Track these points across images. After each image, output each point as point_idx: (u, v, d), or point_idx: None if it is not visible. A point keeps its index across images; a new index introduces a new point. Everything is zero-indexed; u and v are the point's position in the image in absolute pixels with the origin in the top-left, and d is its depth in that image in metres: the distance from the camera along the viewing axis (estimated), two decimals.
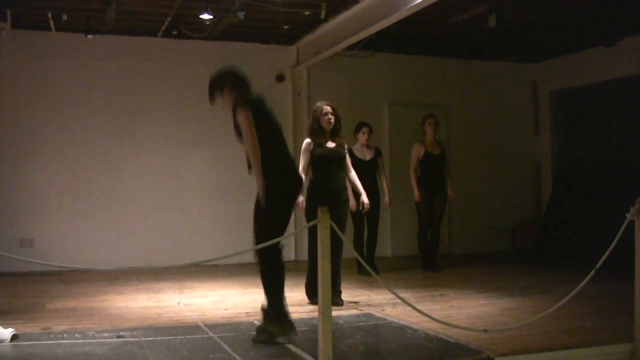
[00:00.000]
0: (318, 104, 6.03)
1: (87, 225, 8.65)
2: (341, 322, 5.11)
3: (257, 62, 9.38)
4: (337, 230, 4.01)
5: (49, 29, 8.27)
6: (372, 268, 5.73)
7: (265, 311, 4.51)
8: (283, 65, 9.59)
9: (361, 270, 7.47)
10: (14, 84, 8.47)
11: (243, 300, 6.23)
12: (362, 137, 7.82)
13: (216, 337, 4.63)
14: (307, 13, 7.95)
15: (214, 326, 5.00)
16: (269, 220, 4.32)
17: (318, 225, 3.81)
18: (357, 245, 7.59)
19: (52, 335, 4.68)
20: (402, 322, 5.04)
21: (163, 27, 8.45)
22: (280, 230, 4.43)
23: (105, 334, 4.72)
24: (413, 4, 6.63)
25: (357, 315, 5.43)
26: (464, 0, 7.51)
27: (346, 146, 6.14)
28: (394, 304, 5.75)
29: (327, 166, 5.90)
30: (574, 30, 8.82)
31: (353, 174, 6.21)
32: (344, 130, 6.21)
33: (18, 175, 8.45)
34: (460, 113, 10.44)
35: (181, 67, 9.12)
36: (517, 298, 6.16)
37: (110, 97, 8.87)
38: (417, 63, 10.23)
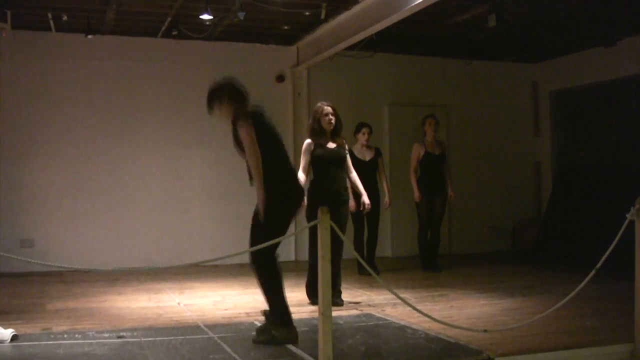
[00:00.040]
0: (319, 104, 6.02)
1: (87, 226, 8.65)
2: (341, 322, 5.11)
3: (257, 63, 9.40)
4: (337, 231, 4.01)
5: (49, 30, 8.27)
6: (372, 268, 5.74)
7: (267, 316, 4.51)
8: (283, 66, 9.59)
9: (361, 271, 7.47)
10: (14, 84, 8.47)
11: (243, 300, 6.23)
12: (362, 137, 7.82)
13: (216, 338, 4.63)
14: (307, 13, 7.95)
15: (214, 326, 5.00)
16: (265, 233, 4.24)
17: (318, 226, 3.81)
18: (357, 246, 7.59)
19: (52, 336, 4.68)
20: (402, 323, 5.04)
21: (163, 28, 8.45)
22: (276, 244, 4.42)
23: (106, 335, 4.72)
24: (413, 4, 6.63)
25: (358, 316, 5.43)
26: (464, 0, 7.51)
27: (347, 147, 6.14)
28: (394, 304, 5.75)
29: (327, 167, 5.90)
30: (574, 30, 8.82)
31: (354, 175, 6.22)
32: (344, 130, 6.21)
33: (18, 175, 8.46)
34: (460, 113, 10.44)
35: (181, 68, 9.12)
36: (517, 298, 6.16)
37: (110, 97, 8.87)
38: (417, 63, 10.23)
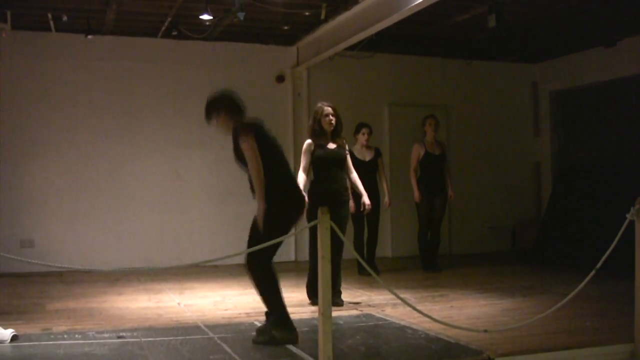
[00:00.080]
0: (319, 104, 6.02)
1: (87, 226, 8.65)
2: (341, 322, 5.11)
3: (257, 63, 9.40)
4: (337, 231, 4.01)
5: (49, 30, 8.27)
6: (372, 268, 5.73)
7: (268, 317, 4.52)
8: (283, 66, 9.59)
9: (361, 271, 7.47)
10: (14, 85, 8.47)
11: (243, 300, 6.22)
12: (362, 137, 7.82)
13: (216, 338, 4.63)
14: (307, 13, 7.95)
15: (214, 327, 5.01)
16: (263, 241, 4.21)
17: (318, 226, 3.81)
18: (358, 246, 7.59)
19: (52, 336, 4.68)
20: (403, 323, 5.04)
21: (163, 28, 8.45)
22: (273, 250, 4.42)
23: (106, 335, 4.72)
24: (413, 4, 6.63)
25: (358, 316, 5.43)
26: (464, 0, 7.51)
27: (347, 147, 6.14)
28: (394, 305, 5.75)
29: (327, 167, 5.89)
30: (574, 30, 8.82)
31: (354, 175, 6.21)
32: (344, 130, 6.21)
33: (18, 175, 8.46)
34: (460, 113, 10.44)
35: (181, 68, 9.12)
36: (517, 298, 6.16)
37: (110, 97, 8.87)
38: (417, 63, 10.23)
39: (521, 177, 10.79)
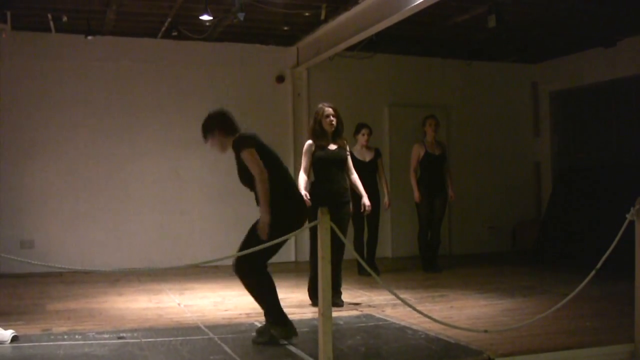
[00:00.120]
0: (320, 105, 6.01)
1: (87, 227, 8.65)
2: (341, 323, 5.11)
3: (257, 63, 9.40)
4: (338, 232, 4.01)
5: (49, 30, 8.27)
6: (372, 269, 5.73)
7: (266, 317, 4.53)
8: (283, 66, 9.60)
9: (361, 271, 7.47)
10: (14, 85, 8.48)
11: (243, 301, 6.20)
12: (361, 138, 7.82)
13: (216, 338, 4.63)
14: (307, 14, 7.95)
15: (214, 327, 5.01)
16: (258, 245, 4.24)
17: (318, 226, 3.81)
18: (358, 246, 7.59)
19: (52, 337, 4.68)
20: (403, 323, 5.04)
21: (163, 28, 8.45)
22: (270, 254, 4.42)
23: (106, 335, 4.72)
24: (413, 5, 6.63)
25: (358, 316, 5.42)
26: (464, 1, 7.51)
27: (348, 148, 6.14)
28: (394, 305, 5.75)
29: (328, 168, 5.89)
30: (574, 31, 8.82)
31: (355, 176, 6.20)
32: (344, 131, 6.21)
33: (18, 175, 8.46)
34: (460, 114, 10.44)
35: (181, 68, 9.13)
36: (517, 299, 6.16)
37: (110, 98, 8.87)
38: (417, 64, 10.23)
39: (521, 177, 10.79)
